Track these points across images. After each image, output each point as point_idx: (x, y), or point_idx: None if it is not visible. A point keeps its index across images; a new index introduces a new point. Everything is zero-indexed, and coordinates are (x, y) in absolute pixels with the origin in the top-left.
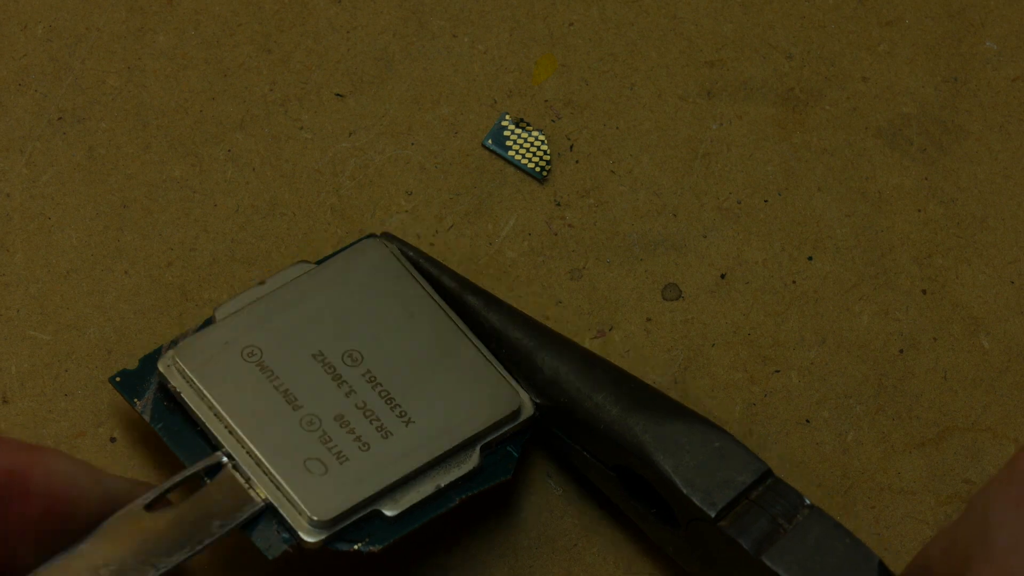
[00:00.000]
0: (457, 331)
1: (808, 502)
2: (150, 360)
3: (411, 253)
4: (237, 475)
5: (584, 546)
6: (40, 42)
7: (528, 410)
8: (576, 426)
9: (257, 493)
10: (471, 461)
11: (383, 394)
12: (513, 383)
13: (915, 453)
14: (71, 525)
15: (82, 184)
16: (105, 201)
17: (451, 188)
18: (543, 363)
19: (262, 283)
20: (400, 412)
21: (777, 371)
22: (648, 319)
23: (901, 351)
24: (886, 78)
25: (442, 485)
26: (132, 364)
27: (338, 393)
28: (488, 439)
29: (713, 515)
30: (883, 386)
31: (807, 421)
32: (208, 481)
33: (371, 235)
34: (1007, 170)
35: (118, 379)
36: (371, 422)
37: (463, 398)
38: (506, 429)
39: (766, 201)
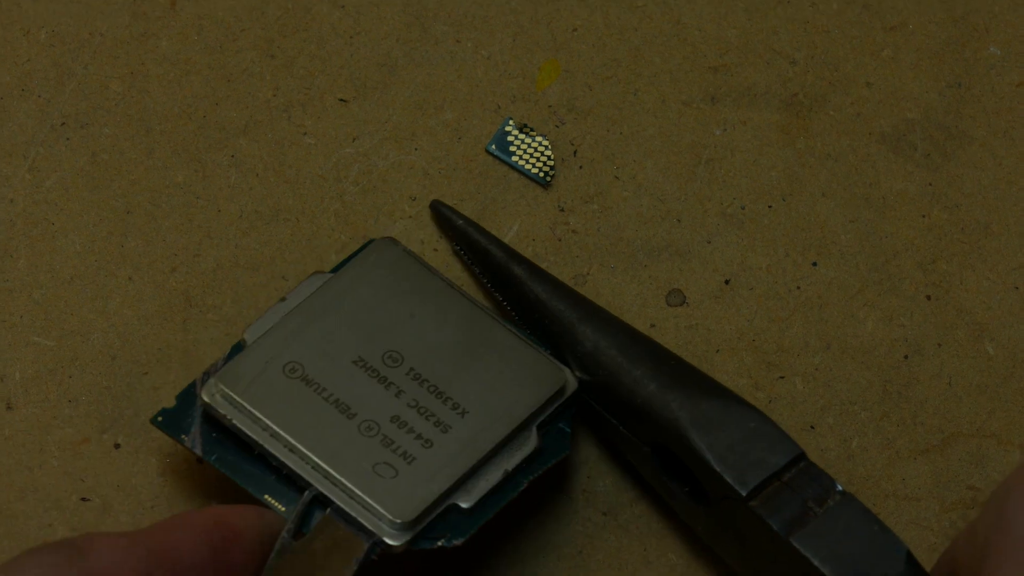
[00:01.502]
0: (487, 317)
1: (840, 488)
2: (187, 395)
3: (460, 221)
4: (340, 520)
5: (589, 553)
6: (43, 47)
7: (572, 384)
8: (613, 400)
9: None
10: (531, 442)
11: (431, 389)
12: (552, 359)
13: (920, 459)
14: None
15: (85, 190)
16: (108, 207)
17: (455, 193)
18: (584, 336)
19: (283, 300)
20: (453, 404)
21: (781, 377)
22: (652, 325)
23: (906, 357)
24: (890, 83)
25: (509, 469)
26: (136, 370)
27: (388, 395)
28: (542, 418)
29: (744, 494)
30: (888, 392)
31: (812, 427)
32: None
33: (385, 237)
34: (1011, 175)
35: (160, 419)
36: (427, 418)
37: (510, 381)
38: (556, 405)
39: (770, 207)
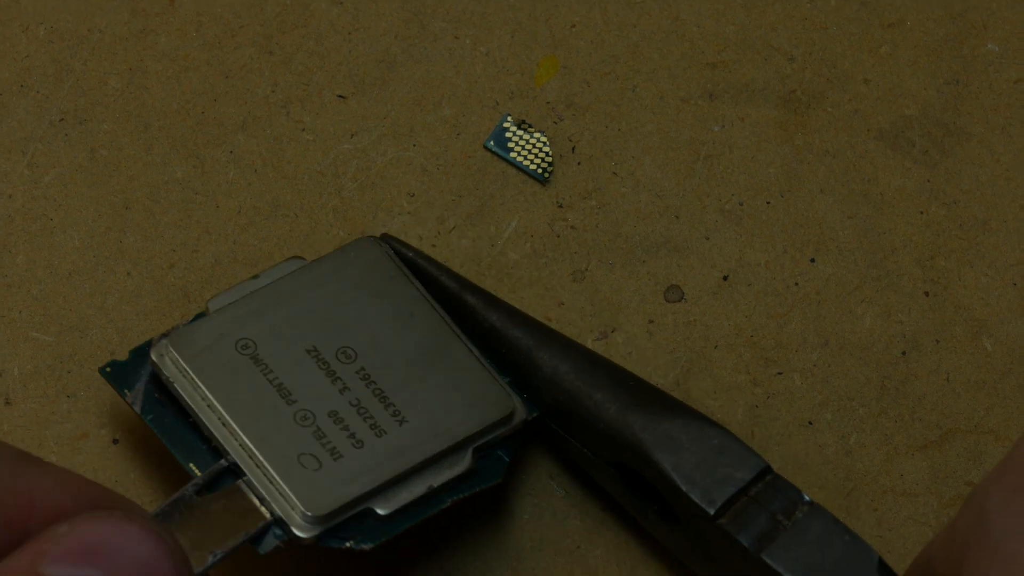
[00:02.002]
0: (451, 333)
1: (807, 498)
2: (140, 352)
3: (410, 253)
4: (248, 492)
5: (588, 548)
6: (42, 43)
7: (521, 414)
8: (576, 424)
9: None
10: (463, 463)
11: (377, 392)
12: (506, 387)
13: (918, 455)
14: None
15: (84, 185)
16: (107, 202)
17: (453, 190)
18: (543, 361)
19: (255, 277)
20: (394, 411)
21: (779, 373)
22: (650, 321)
23: (903, 353)
24: (888, 80)
25: (434, 486)
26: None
27: (332, 389)
28: (481, 442)
29: (712, 512)
30: (885, 388)
31: (810, 423)
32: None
33: (369, 236)
34: (1009, 172)
35: (108, 369)
36: (365, 419)
37: (456, 400)
38: (499, 432)
39: (768, 203)
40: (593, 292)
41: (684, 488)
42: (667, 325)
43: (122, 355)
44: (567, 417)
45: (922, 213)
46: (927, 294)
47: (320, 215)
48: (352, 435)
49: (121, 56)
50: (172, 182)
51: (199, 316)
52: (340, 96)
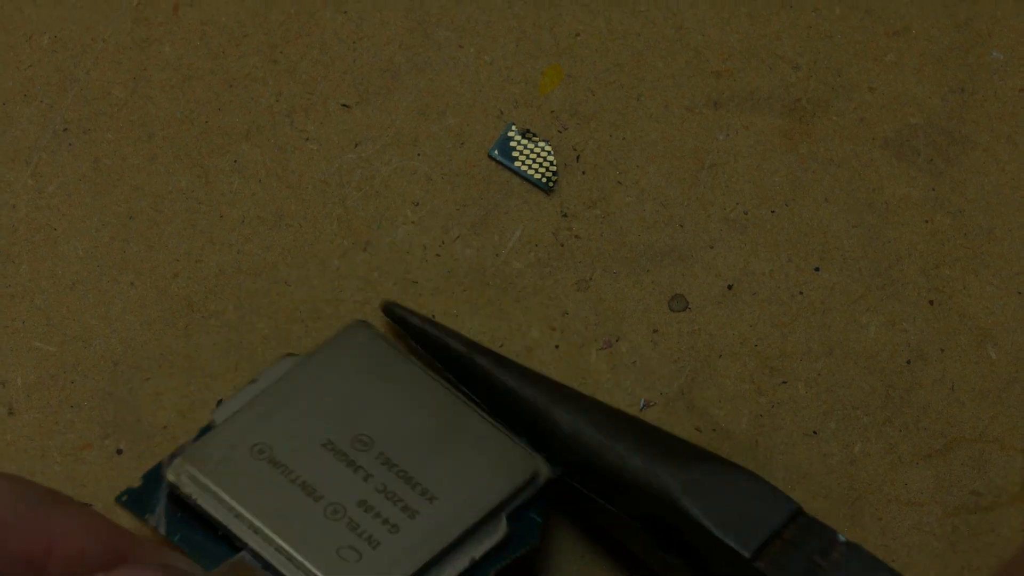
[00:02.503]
0: (460, 403)
1: (843, 538)
2: (153, 475)
3: (415, 320)
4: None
5: (587, 553)
6: (46, 53)
7: (545, 472)
8: (599, 479)
9: None
10: (500, 530)
11: (400, 474)
12: (526, 447)
13: (922, 464)
14: None
15: (88, 195)
16: (111, 212)
17: (457, 199)
18: (560, 419)
19: (254, 381)
20: (421, 490)
21: (784, 382)
22: (655, 330)
23: (908, 362)
24: (893, 89)
25: (476, 557)
26: (138, 376)
27: (356, 479)
28: (512, 506)
29: (748, 555)
30: (890, 397)
31: (814, 432)
32: None
33: (358, 321)
34: (1014, 181)
35: (124, 498)
36: (395, 503)
37: (480, 468)
38: (528, 494)
39: (773, 212)
40: (597, 301)
41: (718, 533)
42: (671, 334)
43: (125, 365)
44: (589, 473)
45: (927, 222)
46: (932, 303)
47: (324, 225)
48: (386, 521)
49: (125, 65)
50: (176, 192)
51: (205, 429)
52: (344, 105)
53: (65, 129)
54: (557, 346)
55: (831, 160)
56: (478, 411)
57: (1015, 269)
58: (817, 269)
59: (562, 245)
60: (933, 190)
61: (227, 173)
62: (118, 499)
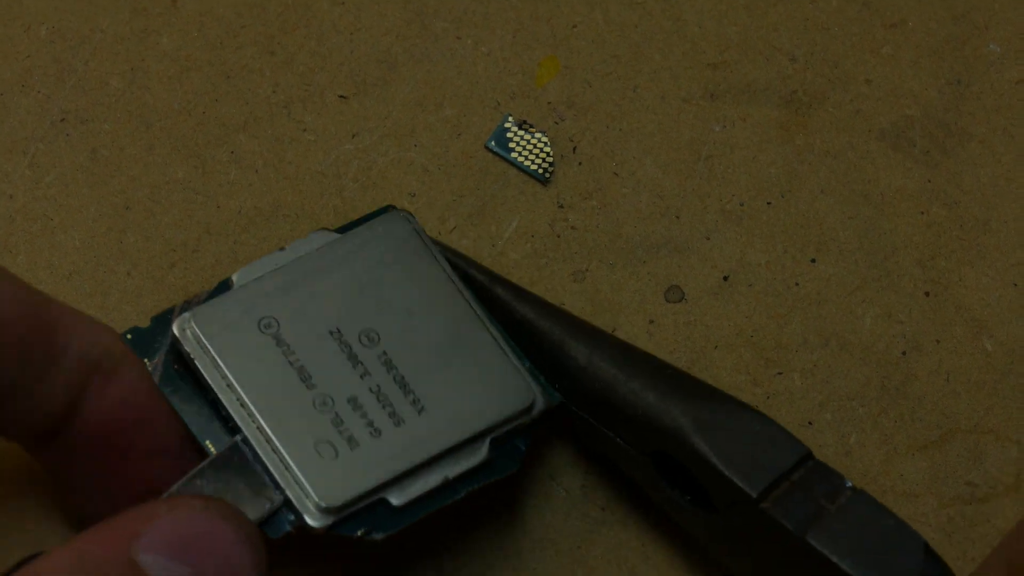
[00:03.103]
0: (476, 318)
1: (850, 484)
2: (163, 320)
3: (436, 248)
4: (262, 474)
5: (588, 548)
6: (43, 43)
7: (540, 403)
8: (611, 412)
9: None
10: (480, 454)
11: (397, 379)
12: (527, 375)
13: (918, 455)
14: None
15: (85, 185)
16: (108, 202)
17: (454, 190)
18: (576, 351)
19: (282, 250)
20: (413, 399)
21: (780, 373)
22: (651, 321)
23: (904, 353)
24: (890, 80)
25: (450, 477)
26: None
27: (353, 374)
28: (499, 432)
29: (755, 495)
30: (886, 388)
31: (810, 423)
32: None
33: (391, 207)
34: (1010, 172)
35: (129, 336)
36: (384, 407)
37: (477, 389)
38: (518, 422)
39: (769, 203)
40: (594, 292)
41: (726, 472)
42: (667, 325)
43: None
44: (602, 406)
45: (923, 213)
46: (927, 294)
47: (321, 216)
48: (370, 423)
49: (123, 56)
50: (173, 182)
51: (222, 284)
52: (341, 96)
53: (63, 119)
54: None
55: (827, 152)
56: (492, 331)
57: (1011, 261)
58: (813, 260)
59: (558, 236)
60: (929, 182)
61: (224, 164)
62: (122, 336)
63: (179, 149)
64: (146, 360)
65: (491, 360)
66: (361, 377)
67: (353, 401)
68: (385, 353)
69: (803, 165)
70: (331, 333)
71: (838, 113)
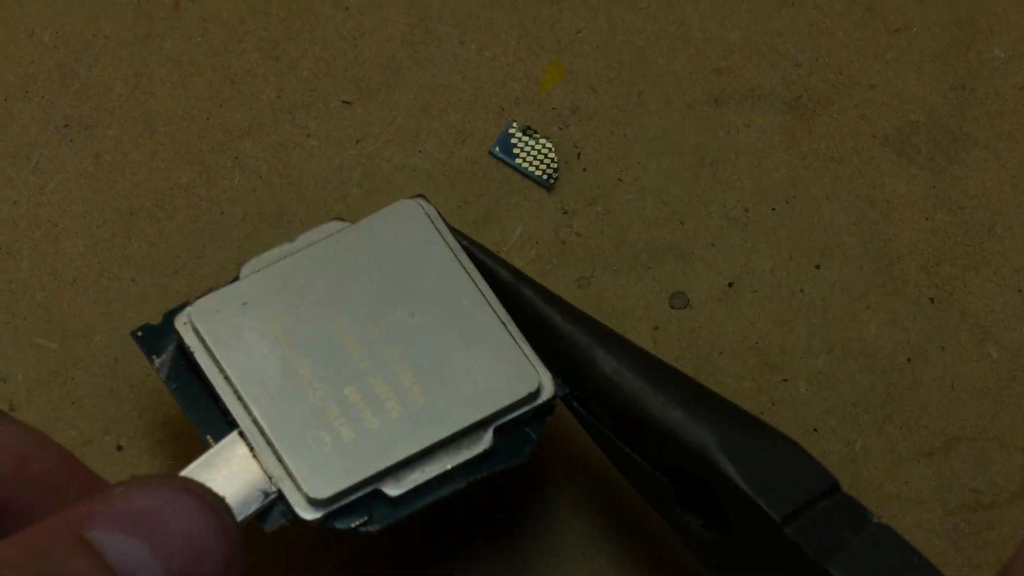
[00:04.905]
0: (485, 305)
1: (876, 520)
2: (173, 315)
3: (465, 242)
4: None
5: (591, 556)
6: (47, 49)
7: (549, 391)
8: (634, 425)
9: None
10: (483, 443)
11: (399, 368)
12: (536, 361)
13: (923, 462)
14: None
15: (89, 191)
16: (112, 208)
17: (458, 196)
18: (602, 360)
19: (292, 241)
20: (414, 387)
21: (784, 380)
22: (655, 327)
23: (909, 360)
24: (894, 86)
25: (449, 467)
26: (139, 372)
27: (353, 363)
28: (504, 420)
29: (778, 519)
30: (891, 395)
31: (815, 430)
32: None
33: (414, 197)
34: (1015, 178)
35: (140, 333)
36: (381, 396)
37: (481, 376)
38: (524, 410)
39: (774, 209)
40: (598, 299)
41: (751, 493)
42: (672, 332)
43: (126, 361)
44: (623, 417)
45: (928, 219)
46: (932, 300)
47: (325, 221)
48: (367, 413)
49: (126, 61)
50: (177, 188)
51: (234, 281)
52: (345, 102)
53: (66, 125)
54: None
55: (832, 157)
56: (500, 316)
57: (1016, 266)
58: (818, 266)
59: (563, 242)
60: (934, 187)
61: (228, 170)
62: (132, 333)
63: (183, 154)
64: (154, 356)
65: (497, 345)
66: (361, 366)
67: (351, 392)
68: (387, 340)
69: (807, 171)
70: (332, 321)
71: (842, 118)
